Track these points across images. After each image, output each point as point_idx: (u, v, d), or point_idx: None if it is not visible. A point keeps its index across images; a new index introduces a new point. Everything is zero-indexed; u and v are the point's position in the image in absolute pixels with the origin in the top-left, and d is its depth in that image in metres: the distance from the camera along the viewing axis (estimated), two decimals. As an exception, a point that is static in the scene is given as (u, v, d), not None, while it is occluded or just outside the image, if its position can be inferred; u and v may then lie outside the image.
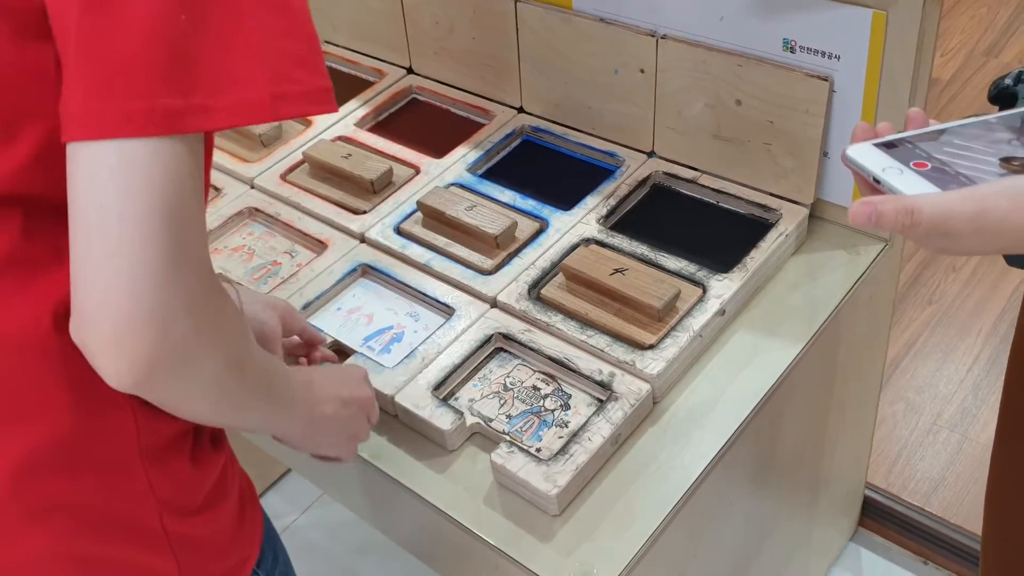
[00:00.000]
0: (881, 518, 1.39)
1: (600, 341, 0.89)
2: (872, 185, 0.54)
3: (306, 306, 0.99)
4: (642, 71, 1.05)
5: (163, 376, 0.49)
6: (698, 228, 1.03)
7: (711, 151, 1.05)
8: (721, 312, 0.91)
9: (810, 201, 1.00)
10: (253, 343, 0.59)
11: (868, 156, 0.55)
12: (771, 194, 1.02)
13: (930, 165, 0.54)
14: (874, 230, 0.97)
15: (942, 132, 0.57)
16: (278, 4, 0.50)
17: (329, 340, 0.96)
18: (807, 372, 0.95)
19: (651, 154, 1.11)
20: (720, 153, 1.04)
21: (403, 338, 0.95)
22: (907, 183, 0.52)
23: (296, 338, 0.91)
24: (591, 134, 1.15)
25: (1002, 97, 0.73)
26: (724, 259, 0.96)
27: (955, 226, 0.50)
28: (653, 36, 1.02)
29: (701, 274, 0.94)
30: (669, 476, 0.81)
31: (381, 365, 0.91)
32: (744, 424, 0.85)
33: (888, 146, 0.55)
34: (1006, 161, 0.54)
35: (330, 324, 0.98)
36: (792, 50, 0.92)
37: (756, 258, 0.95)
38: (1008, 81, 0.65)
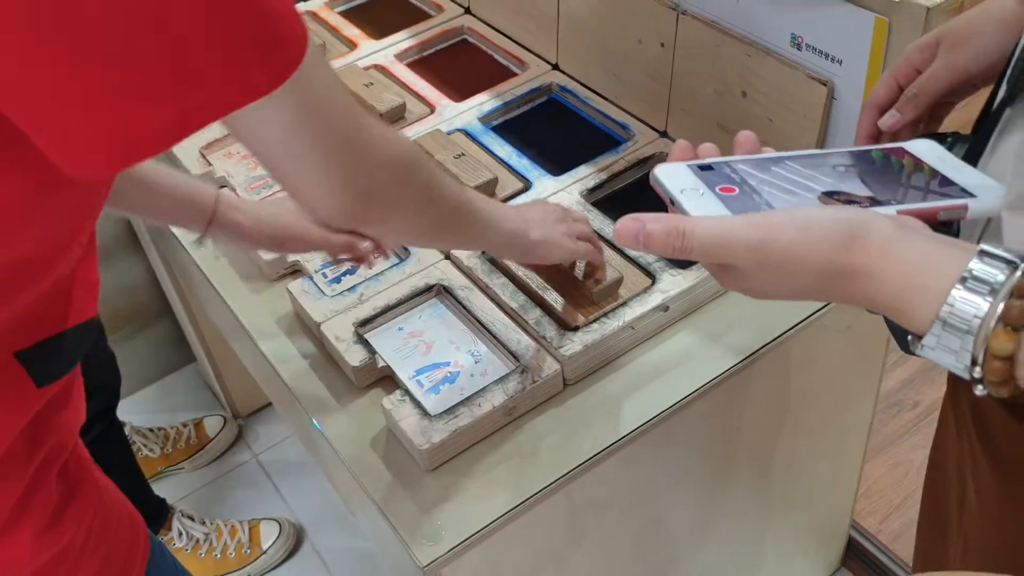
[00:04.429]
0: (863, 564, 1.30)
1: (531, 314, 0.87)
2: (671, 208, 0.48)
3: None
4: (662, 45, 1.00)
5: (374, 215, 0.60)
6: (682, 219, 0.97)
7: (714, 141, 0.98)
8: (664, 308, 0.87)
9: (803, 212, 0.93)
10: (440, 178, 0.66)
11: (674, 176, 0.48)
12: (767, 197, 0.95)
13: (738, 191, 0.46)
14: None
15: (771, 160, 0.50)
16: None
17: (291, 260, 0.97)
18: (753, 389, 0.90)
19: (663, 133, 1.06)
20: (722, 145, 0.98)
21: (356, 271, 0.96)
22: (699, 206, 0.45)
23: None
24: (613, 102, 1.11)
25: None
26: (692, 255, 0.91)
27: (734, 255, 0.43)
28: (675, 10, 0.96)
29: (658, 265, 0.89)
30: (553, 459, 0.79)
31: (323, 293, 0.92)
32: (648, 425, 0.81)
33: (704, 168, 0.49)
34: (828, 196, 0.47)
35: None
36: (799, 46, 0.85)
37: (720, 260, 0.89)
38: None
